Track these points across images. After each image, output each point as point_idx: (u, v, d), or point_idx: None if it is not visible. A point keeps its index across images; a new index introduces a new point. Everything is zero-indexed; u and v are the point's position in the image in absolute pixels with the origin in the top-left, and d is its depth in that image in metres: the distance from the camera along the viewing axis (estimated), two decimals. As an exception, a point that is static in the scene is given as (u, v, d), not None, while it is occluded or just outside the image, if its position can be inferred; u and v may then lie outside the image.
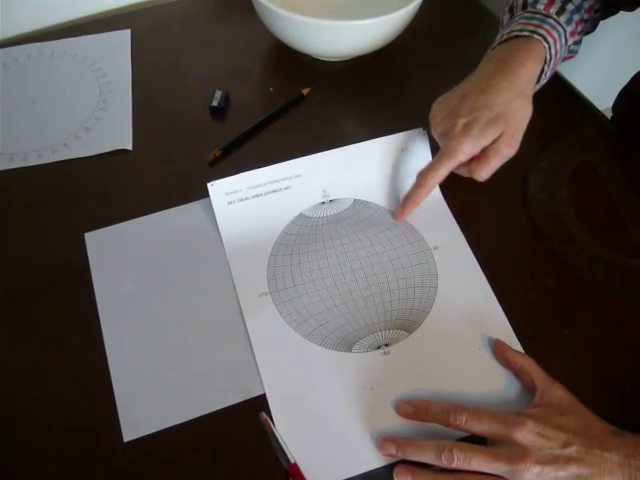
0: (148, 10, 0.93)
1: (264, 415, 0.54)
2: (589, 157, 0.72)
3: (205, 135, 0.76)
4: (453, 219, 0.67)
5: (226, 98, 0.79)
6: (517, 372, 0.56)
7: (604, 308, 0.61)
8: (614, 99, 0.87)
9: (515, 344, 0.58)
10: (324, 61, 0.84)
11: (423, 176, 0.63)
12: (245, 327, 0.59)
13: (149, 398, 0.56)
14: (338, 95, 0.80)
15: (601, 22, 0.77)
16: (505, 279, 0.62)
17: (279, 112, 0.77)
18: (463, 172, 0.65)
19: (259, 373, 0.57)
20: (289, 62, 0.84)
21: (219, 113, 0.78)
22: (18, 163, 0.73)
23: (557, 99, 0.72)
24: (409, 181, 0.68)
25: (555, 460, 0.47)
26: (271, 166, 0.68)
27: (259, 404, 0.55)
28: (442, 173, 0.63)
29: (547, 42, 0.65)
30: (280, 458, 0.52)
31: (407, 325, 0.59)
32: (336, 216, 0.67)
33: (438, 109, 0.66)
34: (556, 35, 0.66)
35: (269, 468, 0.52)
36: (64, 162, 0.73)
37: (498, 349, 0.57)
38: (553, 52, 0.66)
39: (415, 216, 0.66)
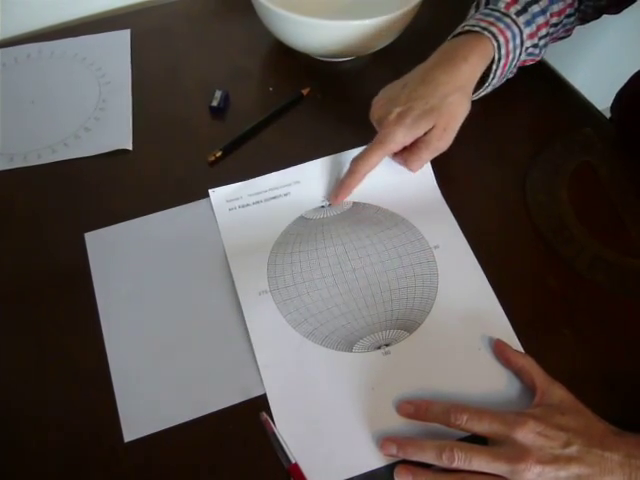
0: (148, 10, 0.93)
1: (264, 415, 0.54)
2: (589, 157, 0.72)
3: (205, 135, 0.76)
4: (453, 218, 0.67)
5: (226, 98, 0.79)
6: (517, 372, 0.56)
7: (604, 308, 0.61)
8: (612, 99, 0.87)
9: (515, 344, 0.58)
10: (324, 61, 0.84)
11: (355, 163, 0.64)
12: (245, 326, 0.59)
13: (149, 398, 0.56)
14: (338, 95, 0.80)
15: (600, 22, 0.77)
16: (505, 279, 0.62)
17: (279, 112, 0.77)
18: (399, 161, 0.66)
19: (259, 373, 0.57)
20: (289, 62, 0.84)
21: (219, 113, 0.78)
22: (18, 163, 0.73)
23: (556, 99, 0.72)
24: (408, 182, 0.68)
25: (556, 460, 0.47)
26: (271, 174, 0.69)
27: (259, 404, 0.55)
28: (374, 160, 0.64)
29: (497, 41, 0.64)
30: (281, 458, 0.52)
31: (407, 325, 0.59)
32: (336, 217, 0.67)
33: (380, 96, 0.68)
34: (509, 35, 0.65)
35: (270, 468, 0.52)
36: (64, 162, 0.73)
37: (499, 349, 0.57)
38: (503, 52, 0.65)
39: (415, 215, 0.66)
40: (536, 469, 0.47)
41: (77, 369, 0.58)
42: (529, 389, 0.55)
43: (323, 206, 0.68)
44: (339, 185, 0.66)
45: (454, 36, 0.68)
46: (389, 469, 0.51)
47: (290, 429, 0.54)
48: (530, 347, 0.58)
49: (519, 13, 0.67)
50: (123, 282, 0.63)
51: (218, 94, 0.78)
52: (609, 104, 0.87)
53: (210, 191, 0.67)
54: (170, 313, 0.61)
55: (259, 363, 0.57)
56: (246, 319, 0.60)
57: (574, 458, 0.47)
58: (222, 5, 0.93)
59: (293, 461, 0.52)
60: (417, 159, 0.64)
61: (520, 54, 0.68)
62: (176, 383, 0.57)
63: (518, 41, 0.67)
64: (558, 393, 0.52)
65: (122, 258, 0.65)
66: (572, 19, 0.74)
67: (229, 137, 0.74)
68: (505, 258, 0.65)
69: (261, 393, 0.56)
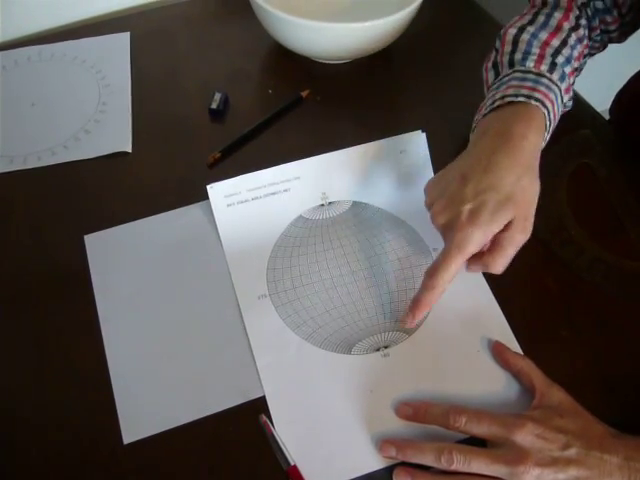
0: (147, 13, 0.93)
1: (264, 417, 0.54)
2: (588, 159, 0.72)
3: (204, 137, 0.76)
4: (452, 221, 0.66)
5: (225, 100, 0.79)
6: (516, 374, 0.56)
7: (603, 310, 0.61)
8: (611, 101, 0.87)
9: (514, 346, 0.58)
10: (323, 63, 0.84)
11: (432, 275, 0.55)
12: (244, 329, 0.59)
13: (149, 400, 0.56)
14: (337, 97, 0.81)
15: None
16: (504, 281, 0.62)
17: (278, 114, 0.77)
18: (475, 268, 0.58)
19: (259, 375, 0.57)
20: (288, 64, 0.84)
21: (218, 115, 0.78)
22: (18, 165, 0.73)
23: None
24: (408, 183, 0.68)
25: (555, 462, 0.47)
26: (270, 168, 0.68)
27: (259, 406, 0.55)
28: (453, 269, 0.54)
29: (545, 107, 0.58)
30: (280, 460, 0.52)
31: (406, 327, 0.59)
32: (335, 218, 0.67)
33: (435, 194, 0.58)
34: (553, 97, 0.60)
35: (269, 470, 0.52)
36: (64, 164, 0.73)
37: (497, 351, 0.57)
38: (552, 116, 0.60)
39: (414, 218, 0.66)
40: (535, 471, 0.47)
41: (76, 371, 0.58)
42: (528, 391, 0.55)
43: (322, 204, 0.68)
44: (415, 304, 0.57)
45: (494, 108, 0.60)
46: (388, 471, 0.51)
47: (289, 431, 0.54)
48: (529, 349, 0.58)
49: (551, 70, 0.62)
50: (123, 284, 0.63)
51: (217, 96, 0.78)
52: (607, 106, 0.88)
53: (208, 187, 0.66)
54: (169, 315, 0.61)
55: (258, 365, 0.57)
56: (245, 322, 0.60)
57: (573, 460, 0.47)
58: (221, 8, 0.93)
59: (292, 463, 0.52)
60: (503, 258, 0.55)
61: (559, 112, 0.63)
62: (175, 385, 0.57)
63: (560, 100, 0.62)
64: (557, 395, 0.52)
65: (122, 260, 0.65)
66: (586, 58, 0.72)
67: (228, 139, 0.75)
68: (504, 260, 0.65)
69: (260, 395, 0.56)
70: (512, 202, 0.54)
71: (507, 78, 0.62)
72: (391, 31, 0.78)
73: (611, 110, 0.88)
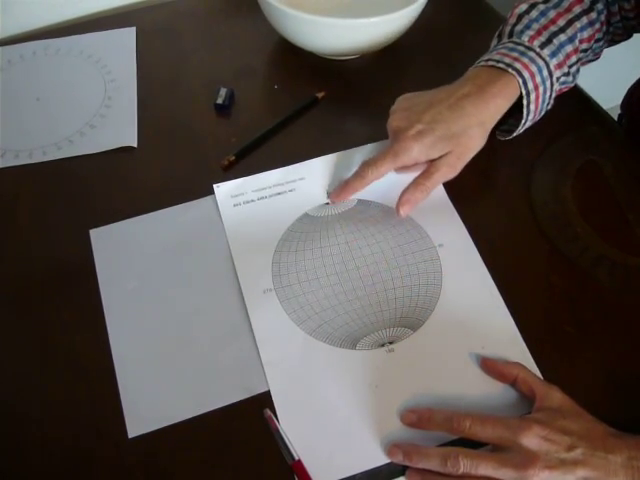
0: (153, 8, 0.93)
1: (268, 412, 0.54)
2: (593, 155, 0.72)
3: (210, 132, 0.76)
4: (458, 217, 0.67)
5: (231, 96, 0.79)
6: (514, 383, 0.55)
7: (608, 306, 0.61)
8: (622, 97, 0.87)
9: (519, 342, 0.58)
10: (329, 59, 0.84)
11: (365, 167, 0.65)
12: (249, 324, 0.59)
13: (154, 394, 0.56)
14: (343, 93, 0.80)
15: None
16: (509, 277, 0.62)
17: (293, 116, 0.77)
18: (406, 200, 0.64)
19: (263, 370, 0.57)
20: (294, 60, 0.84)
21: (224, 111, 0.78)
22: (23, 160, 0.73)
23: (561, 97, 0.72)
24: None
25: (562, 464, 0.47)
26: (276, 170, 0.69)
27: (263, 401, 0.55)
28: (384, 169, 0.64)
29: (522, 76, 0.64)
30: (284, 455, 0.52)
31: (411, 323, 0.59)
32: (341, 215, 0.67)
33: (401, 105, 0.68)
34: (534, 69, 0.65)
35: (273, 465, 0.52)
36: (69, 159, 0.73)
37: (488, 367, 0.56)
38: (531, 86, 0.65)
39: (420, 213, 0.66)
40: (544, 474, 0.47)
41: (81, 365, 0.58)
42: (527, 397, 0.54)
43: (328, 203, 0.68)
44: (343, 185, 0.67)
45: (479, 66, 0.68)
46: (392, 466, 0.52)
47: (294, 426, 0.54)
48: (533, 345, 0.58)
49: (543, 45, 0.67)
50: (128, 279, 0.63)
51: (223, 92, 0.78)
52: (614, 103, 0.87)
53: (215, 186, 0.67)
54: (175, 310, 0.61)
55: (263, 360, 0.57)
56: (250, 317, 0.60)
57: (579, 461, 0.47)
58: (227, 3, 0.93)
59: (297, 458, 0.52)
60: (425, 181, 0.64)
61: (552, 85, 0.67)
62: (180, 379, 0.57)
63: (546, 73, 0.66)
64: (557, 397, 0.52)
65: (127, 255, 0.65)
66: (601, 43, 0.74)
67: (234, 135, 0.75)
68: (509, 256, 0.65)
69: (265, 390, 0.56)
70: (455, 140, 0.63)
71: (501, 46, 0.68)
72: (398, 27, 0.78)
73: (622, 105, 0.87)
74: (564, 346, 0.59)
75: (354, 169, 0.68)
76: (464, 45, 0.86)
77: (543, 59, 0.66)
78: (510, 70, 0.64)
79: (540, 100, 0.67)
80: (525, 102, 0.65)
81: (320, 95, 0.79)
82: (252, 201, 0.68)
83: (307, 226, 0.66)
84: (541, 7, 0.69)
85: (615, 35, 0.75)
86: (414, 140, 0.63)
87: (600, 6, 0.70)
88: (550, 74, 0.66)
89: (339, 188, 0.67)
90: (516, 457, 0.48)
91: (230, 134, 0.75)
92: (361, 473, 0.52)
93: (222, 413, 0.55)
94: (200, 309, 0.61)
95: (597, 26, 0.71)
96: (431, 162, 0.64)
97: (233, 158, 0.72)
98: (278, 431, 0.53)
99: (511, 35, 0.70)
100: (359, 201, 0.68)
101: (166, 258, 0.64)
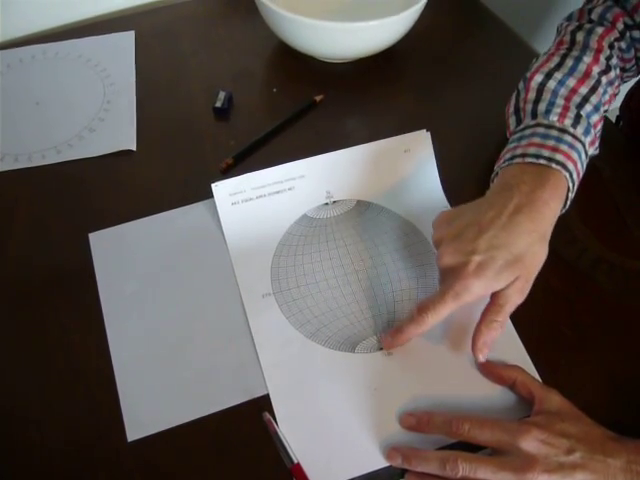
0: (152, 12, 0.93)
1: (267, 415, 0.54)
2: (592, 158, 0.72)
3: (208, 136, 0.76)
4: (456, 220, 0.66)
5: (229, 99, 0.79)
6: (512, 386, 0.55)
7: (607, 309, 0.61)
8: (620, 99, 0.87)
9: (518, 345, 0.58)
10: (328, 62, 0.84)
11: (423, 312, 0.55)
12: (249, 327, 0.59)
13: (153, 398, 0.56)
14: (342, 96, 0.81)
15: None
16: (508, 280, 0.62)
17: (291, 119, 0.77)
18: (481, 344, 0.56)
19: (262, 373, 0.57)
20: (292, 63, 0.84)
21: (223, 114, 0.78)
22: (23, 164, 0.73)
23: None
24: (412, 183, 0.68)
25: (561, 467, 0.47)
26: (275, 167, 0.68)
27: (262, 404, 0.55)
28: (444, 314, 0.55)
29: (567, 170, 0.57)
30: (283, 458, 0.52)
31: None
32: (339, 217, 0.67)
33: (445, 232, 0.58)
34: (576, 156, 0.58)
35: (272, 468, 0.52)
36: (68, 163, 0.74)
37: (486, 370, 0.56)
38: (575, 177, 0.58)
39: (418, 217, 0.66)
40: (543, 477, 0.47)
41: (81, 369, 0.58)
42: (526, 400, 0.54)
43: (327, 203, 0.68)
44: (397, 330, 0.57)
45: (512, 163, 0.59)
46: (391, 470, 0.52)
47: (293, 429, 0.54)
48: (532, 347, 0.58)
49: (575, 123, 0.60)
50: (127, 282, 0.63)
51: (222, 95, 0.79)
52: (617, 104, 0.87)
53: (213, 185, 0.67)
54: (174, 313, 0.61)
55: (262, 363, 0.57)
56: (249, 320, 0.60)
57: (579, 465, 0.47)
58: (226, 7, 0.94)
59: (296, 461, 0.52)
60: (496, 317, 0.55)
61: (584, 165, 0.61)
62: (179, 383, 0.57)
63: (584, 156, 0.60)
64: (556, 400, 0.52)
65: (126, 258, 0.65)
66: (617, 96, 0.70)
67: (232, 138, 0.75)
68: (508, 259, 0.65)
69: (264, 393, 0.56)
70: (521, 264, 0.54)
71: (529, 131, 0.61)
72: (396, 30, 0.78)
73: (621, 108, 0.87)
74: (563, 349, 0.59)
75: (353, 167, 0.69)
76: (463, 48, 0.86)
77: (580, 141, 0.60)
78: (554, 165, 0.57)
79: (578, 183, 0.61)
80: (570, 195, 0.59)
81: (318, 98, 0.79)
82: (250, 199, 0.67)
83: (306, 229, 0.66)
84: (558, 76, 0.64)
85: (627, 77, 0.73)
86: (476, 277, 0.53)
87: (614, 61, 0.67)
88: (586, 154, 0.61)
89: (392, 333, 0.57)
90: (515, 460, 0.48)
91: (229, 137, 0.75)
92: (360, 476, 0.52)
93: (221, 416, 0.55)
94: (199, 313, 0.61)
95: (616, 83, 0.67)
96: (497, 292, 0.55)
97: (231, 161, 0.72)
98: (277, 434, 0.53)
99: (534, 114, 0.63)
100: (358, 202, 0.68)
101: (165, 261, 0.64)
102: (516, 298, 0.55)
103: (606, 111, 0.67)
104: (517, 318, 0.59)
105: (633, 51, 0.68)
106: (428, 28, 0.85)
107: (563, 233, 0.66)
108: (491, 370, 0.56)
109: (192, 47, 0.87)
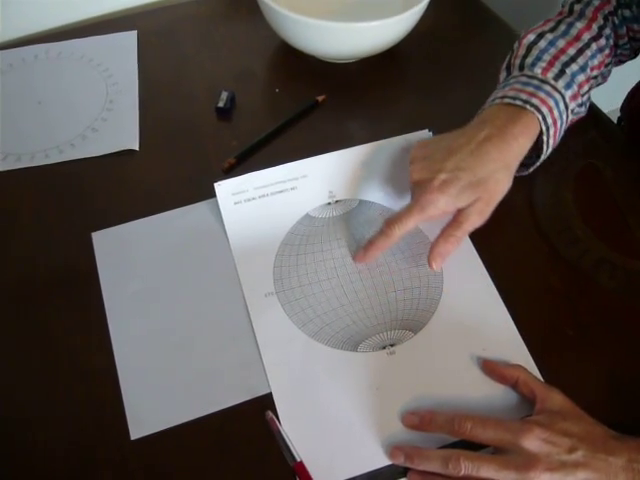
0: (154, 12, 0.93)
1: (270, 414, 0.55)
2: (594, 159, 0.72)
3: (211, 136, 0.76)
4: (458, 220, 0.67)
5: (232, 99, 0.79)
6: (514, 385, 0.55)
7: (609, 309, 0.61)
8: (621, 100, 0.87)
9: (520, 344, 0.58)
10: (330, 63, 0.84)
11: (390, 225, 0.60)
12: (251, 326, 0.60)
13: (156, 397, 0.56)
14: (344, 96, 0.81)
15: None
16: (510, 280, 0.62)
17: (293, 120, 0.77)
18: (436, 255, 0.60)
19: (265, 372, 0.57)
20: (295, 63, 0.85)
21: (225, 114, 0.78)
22: (25, 163, 0.74)
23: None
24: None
25: (563, 466, 0.47)
26: (278, 167, 0.68)
27: (265, 403, 0.55)
28: (410, 225, 0.60)
29: (541, 113, 0.62)
30: (286, 456, 0.52)
31: (412, 325, 0.60)
32: (342, 217, 0.67)
33: (419, 154, 0.64)
34: (552, 103, 0.63)
35: (275, 466, 0.52)
36: (71, 162, 0.74)
37: (489, 368, 0.57)
38: (550, 121, 0.63)
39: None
40: (545, 476, 0.47)
41: (84, 368, 0.58)
42: (528, 399, 0.54)
43: (329, 203, 0.68)
44: (368, 244, 0.62)
45: (492, 104, 0.65)
46: (393, 468, 0.52)
47: (295, 428, 0.54)
48: (534, 347, 0.58)
49: (557, 77, 0.65)
50: (130, 281, 0.63)
51: (224, 95, 0.79)
52: (613, 106, 0.88)
53: (216, 184, 0.67)
54: (177, 312, 0.61)
55: (265, 362, 0.57)
56: (252, 320, 0.60)
57: (580, 463, 0.47)
58: (228, 7, 0.94)
59: (298, 459, 0.52)
60: (454, 232, 0.60)
61: (567, 117, 0.65)
62: (182, 382, 0.57)
63: (562, 106, 0.64)
64: (557, 399, 0.52)
65: (129, 258, 0.65)
66: (610, 67, 0.73)
67: (235, 138, 0.75)
68: (509, 259, 0.65)
69: (267, 392, 0.56)
70: (483, 187, 0.59)
71: (513, 80, 0.66)
72: (398, 30, 0.78)
73: (622, 108, 0.87)
74: (565, 348, 0.59)
75: (356, 167, 0.69)
76: (465, 49, 0.86)
77: (559, 92, 0.64)
78: (528, 107, 0.62)
79: (557, 134, 0.65)
80: (545, 138, 0.63)
81: (320, 98, 0.79)
82: (253, 199, 0.68)
83: (308, 229, 0.66)
84: (549, 37, 0.68)
85: (622, 56, 0.75)
86: (439, 191, 0.59)
87: (608, 31, 0.70)
88: (566, 107, 0.65)
89: (364, 248, 0.63)
90: (517, 459, 0.48)
91: (231, 137, 0.75)
92: (362, 475, 0.52)
93: (224, 415, 0.55)
94: (202, 312, 0.61)
95: (607, 52, 0.70)
96: (459, 210, 0.60)
97: (234, 161, 0.72)
98: (280, 433, 0.53)
99: (522, 68, 0.67)
100: (361, 202, 0.68)
101: (168, 261, 0.65)
102: (475, 218, 0.60)
103: (595, 77, 0.70)
104: (519, 318, 0.60)
105: (625, 29, 0.71)
106: (430, 28, 0.85)
107: (565, 233, 0.66)
108: (493, 369, 0.56)
109: (194, 47, 0.87)
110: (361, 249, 0.63)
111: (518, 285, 0.63)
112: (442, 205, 0.59)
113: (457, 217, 0.60)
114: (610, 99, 0.92)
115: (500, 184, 0.61)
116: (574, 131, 0.75)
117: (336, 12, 0.88)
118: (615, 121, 0.89)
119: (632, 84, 0.85)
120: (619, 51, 0.74)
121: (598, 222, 0.67)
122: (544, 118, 0.62)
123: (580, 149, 0.74)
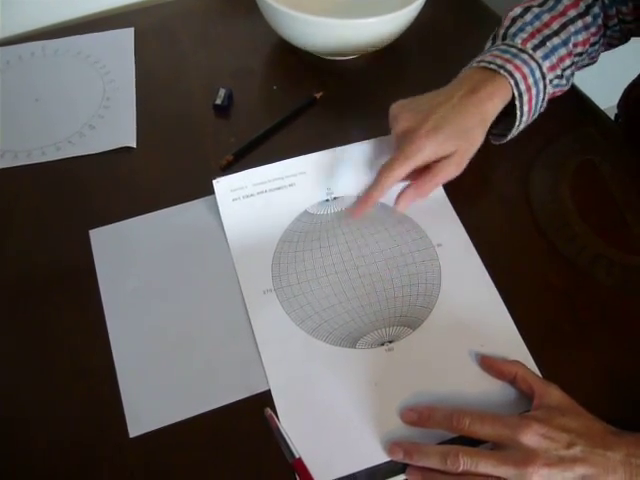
0: (151, 8, 0.93)
1: (269, 410, 0.55)
2: (591, 155, 0.72)
3: (209, 133, 0.76)
4: (456, 217, 0.67)
5: (230, 96, 0.79)
6: (512, 381, 0.55)
7: (606, 305, 0.61)
8: (618, 97, 0.87)
9: (517, 340, 0.58)
10: (327, 59, 0.84)
11: (378, 175, 0.63)
12: (250, 323, 0.60)
13: (155, 394, 0.56)
14: (341, 93, 0.81)
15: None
16: (508, 276, 0.63)
17: (291, 116, 0.77)
18: (406, 196, 0.63)
19: (264, 369, 0.57)
20: (292, 60, 0.84)
21: (223, 111, 0.78)
22: (22, 160, 0.73)
23: (559, 97, 0.72)
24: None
25: (561, 461, 0.47)
26: (276, 163, 0.68)
27: (264, 400, 0.55)
28: (398, 173, 0.62)
29: (514, 78, 0.64)
30: (285, 453, 0.52)
31: (411, 322, 0.60)
32: (340, 213, 0.67)
33: (402, 109, 0.66)
34: (526, 70, 0.65)
35: (274, 463, 0.52)
36: (68, 160, 0.74)
37: (487, 364, 0.57)
38: (523, 88, 0.65)
39: (419, 213, 0.67)
40: (543, 472, 0.47)
41: (82, 366, 0.58)
42: (526, 395, 0.54)
43: (327, 200, 0.68)
44: (360, 198, 0.65)
45: (472, 67, 0.68)
46: (392, 464, 0.52)
47: (294, 424, 0.54)
48: (532, 343, 0.58)
49: (536, 48, 0.67)
50: (128, 279, 0.63)
51: (222, 92, 0.79)
52: (611, 103, 0.88)
53: (214, 181, 0.67)
54: (175, 310, 0.61)
55: (263, 359, 0.57)
56: (250, 317, 0.60)
57: (579, 459, 0.48)
58: (226, 3, 0.93)
59: (297, 456, 0.52)
60: (430, 181, 0.63)
61: (545, 87, 0.67)
62: (181, 379, 0.57)
63: (538, 75, 0.66)
64: (556, 394, 0.52)
65: (127, 255, 0.65)
66: (597, 47, 0.74)
67: (232, 135, 0.75)
68: (507, 255, 0.65)
69: (265, 389, 0.56)
70: (463, 139, 0.63)
71: (494, 48, 0.69)
72: (396, 27, 0.78)
73: (619, 105, 0.88)
74: (562, 344, 0.59)
75: (354, 164, 0.69)
76: (462, 45, 0.86)
77: (535, 61, 0.66)
78: (502, 72, 0.64)
79: (533, 102, 0.67)
80: (518, 104, 0.65)
81: (318, 95, 0.79)
82: (251, 195, 0.68)
83: (307, 225, 0.66)
84: (535, 10, 0.69)
85: (612, 39, 0.75)
86: (426, 138, 0.62)
87: (596, 10, 0.71)
88: (543, 76, 0.66)
89: (356, 202, 0.66)
90: (516, 454, 0.48)
91: (229, 134, 0.75)
92: (361, 471, 0.52)
93: (223, 412, 0.55)
94: (200, 309, 0.61)
95: (593, 30, 0.71)
96: (433, 163, 0.63)
97: (232, 158, 0.72)
98: (278, 429, 0.53)
99: (505, 38, 0.70)
100: (359, 198, 0.68)
101: (166, 258, 0.65)
102: (452, 170, 0.63)
103: (580, 54, 0.71)
104: (517, 314, 0.60)
105: (614, 10, 0.72)
106: (428, 25, 0.85)
107: (562, 230, 0.66)
108: (491, 365, 0.56)
109: (192, 44, 0.87)
110: (353, 204, 0.67)
111: (516, 281, 0.63)
112: (427, 152, 0.62)
113: (432, 170, 0.63)
114: (607, 96, 0.92)
115: (476, 138, 0.64)
116: (572, 128, 0.75)
117: (334, 8, 0.88)
118: (612, 117, 0.90)
119: (629, 80, 0.86)
120: (609, 32, 0.74)
121: (596, 218, 0.67)
122: (517, 83, 0.65)
123: (577, 145, 0.74)
